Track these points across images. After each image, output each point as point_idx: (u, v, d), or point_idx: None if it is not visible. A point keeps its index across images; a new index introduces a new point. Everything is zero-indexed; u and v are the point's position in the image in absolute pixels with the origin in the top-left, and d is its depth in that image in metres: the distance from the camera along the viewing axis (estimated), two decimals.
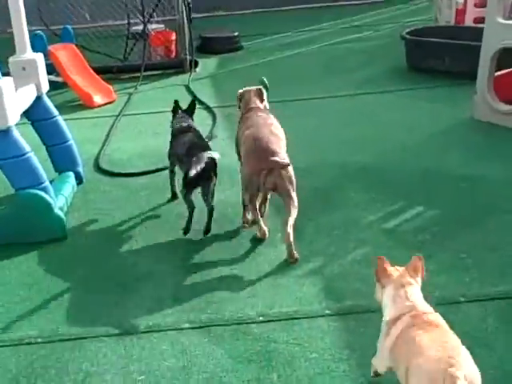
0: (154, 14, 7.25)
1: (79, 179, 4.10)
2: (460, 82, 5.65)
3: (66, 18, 7.32)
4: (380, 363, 2.12)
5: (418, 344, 1.87)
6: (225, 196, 3.78)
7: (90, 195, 3.97)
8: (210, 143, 3.68)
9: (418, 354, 1.84)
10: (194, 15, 10.35)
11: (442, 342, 1.84)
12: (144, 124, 5.34)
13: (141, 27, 7.02)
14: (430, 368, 1.78)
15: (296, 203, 3.06)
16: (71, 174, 4.02)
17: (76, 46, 6.39)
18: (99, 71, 6.67)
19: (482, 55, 4.71)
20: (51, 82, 6.08)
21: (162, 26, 7.54)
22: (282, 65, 7.04)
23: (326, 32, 8.67)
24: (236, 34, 8.15)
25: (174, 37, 7.25)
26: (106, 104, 5.99)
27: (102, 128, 5.28)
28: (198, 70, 7.05)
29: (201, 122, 5.21)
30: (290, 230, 2.98)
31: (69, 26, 6.44)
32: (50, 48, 6.05)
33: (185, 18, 6.90)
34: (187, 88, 6.37)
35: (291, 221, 3.00)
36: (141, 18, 6.90)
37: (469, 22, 7.14)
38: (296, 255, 3.00)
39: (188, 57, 6.93)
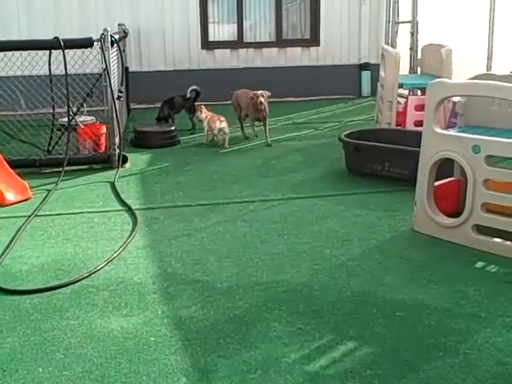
0: (84, 105, 6.87)
1: None
2: (401, 189, 5.38)
3: None
4: (206, 133, 7.49)
5: (216, 120, 7.31)
6: (131, 325, 3.24)
7: None
8: None
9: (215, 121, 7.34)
10: (134, 106, 10.15)
11: (218, 118, 7.29)
12: (56, 227, 4.80)
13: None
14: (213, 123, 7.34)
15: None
16: None
17: None
18: (21, 165, 6.23)
19: (420, 165, 4.44)
20: None
21: (93, 118, 7.15)
22: (215, 163, 6.70)
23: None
24: (172, 128, 7.83)
25: (104, 130, 6.85)
26: (19, 202, 5.45)
27: (8, 231, 4.72)
28: (127, 165, 6.61)
29: (117, 227, 4.76)
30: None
31: None
32: None
33: (113, 111, 6.49)
34: (112, 186, 5.90)
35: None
36: (66, 109, 6.46)
37: (409, 124, 7.02)
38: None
39: (116, 151, 6.51)
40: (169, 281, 3.77)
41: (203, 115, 7.54)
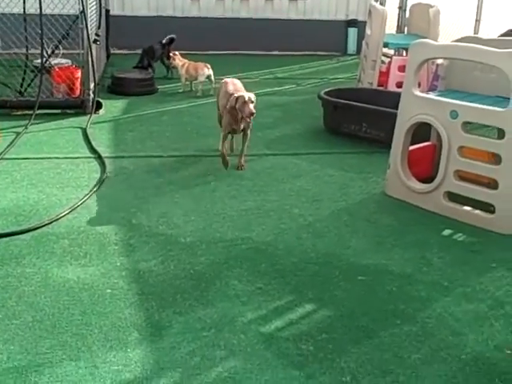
0: (59, 47, 6.63)
1: None
2: (377, 151, 5.29)
3: None
4: (184, 81, 7.36)
5: (204, 67, 7.15)
6: (88, 275, 3.16)
7: None
8: None
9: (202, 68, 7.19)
10: (114, 51, 9.86)
11: (205, 65, 7.16)
12: (22, 171, 4.68)
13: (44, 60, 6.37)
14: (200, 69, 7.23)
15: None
16: None
17: None
18: None
19: (396, 128, 4.35)
20: None
21: (68, 61, 6.92)
22: (193, 114, 6.55)
23: (247, 82, 8.25)
24: (151, 75, 7.63)
25: (79, 74, 6.64)
26: None
27: None
28: (101, 112, 6.44)
29: (84, 174, 4.65)
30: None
31: None
32: None
33: (89, 54, 6.28)
34: (84, 132, 5.75)
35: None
36: (40, 50, 6.23)
37: (392, 85, 6.89)
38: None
39: (90, 97, 6.33)
40: (131, 232, 3.70)
41: (178, 62, 7.40)
